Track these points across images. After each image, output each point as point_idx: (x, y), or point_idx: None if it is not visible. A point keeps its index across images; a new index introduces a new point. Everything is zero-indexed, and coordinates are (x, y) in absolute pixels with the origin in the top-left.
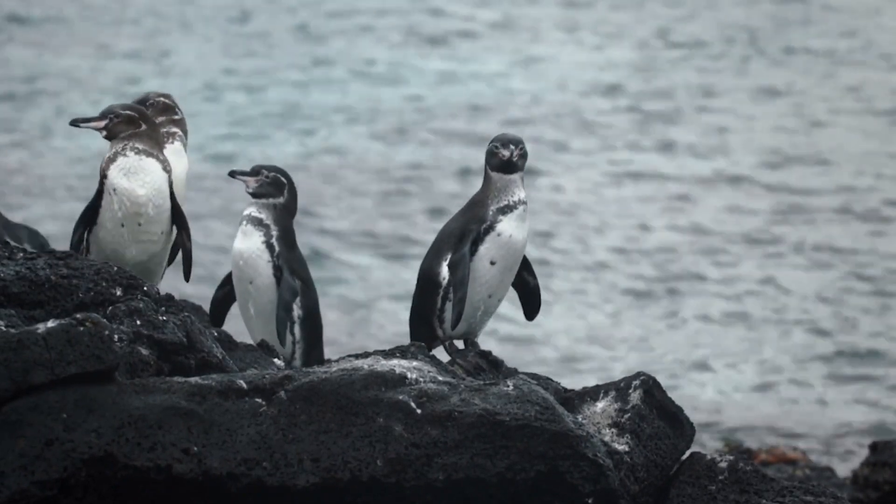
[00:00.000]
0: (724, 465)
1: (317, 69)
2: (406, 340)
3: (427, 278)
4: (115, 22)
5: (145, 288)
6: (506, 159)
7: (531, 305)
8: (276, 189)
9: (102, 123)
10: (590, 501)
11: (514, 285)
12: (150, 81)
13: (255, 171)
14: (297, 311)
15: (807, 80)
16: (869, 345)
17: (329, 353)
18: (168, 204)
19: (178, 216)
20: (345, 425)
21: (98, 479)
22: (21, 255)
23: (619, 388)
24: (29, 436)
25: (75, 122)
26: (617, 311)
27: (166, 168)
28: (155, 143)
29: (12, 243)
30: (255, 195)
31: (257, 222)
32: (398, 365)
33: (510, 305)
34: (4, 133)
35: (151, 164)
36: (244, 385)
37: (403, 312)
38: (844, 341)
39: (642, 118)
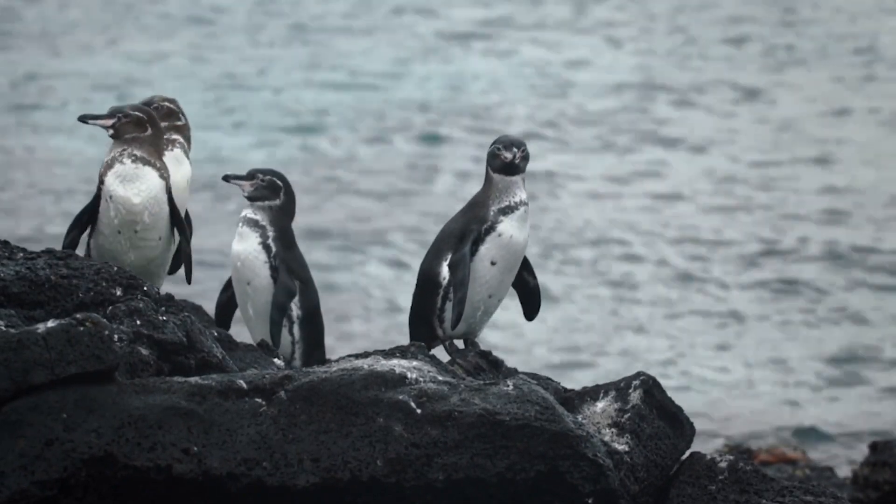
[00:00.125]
0: (724, 465)
1: (317, 69)
2: (405, 340)
3: (427, 278)
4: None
5: (145, 288)
6: (508, 161)
7: (531, 305)
8: (271, 192)
9: (110, 122)
10: (590, 501)
11: (514, 285)
12: (143, 82)
13: (251, 175)
14: (295, 311)
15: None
16: (869, 345)
17: (329, 353)
18: (165, 211)
19: (177, 222)
20: (345, 425)
21: (98, 479)
22: (21, 254)
23: (619, 388)
24: (29, 436)
25: (84, 119)
26: (616, 312)
27: (163, 175)
28: (154, 150)
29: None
30: (251, 199)
31: (253, 224)
32: (398, 365)
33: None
34: (6, 134)
35: (148, 173)
36: (244, 385)
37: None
38: (845, 341)
39: (644, 116)
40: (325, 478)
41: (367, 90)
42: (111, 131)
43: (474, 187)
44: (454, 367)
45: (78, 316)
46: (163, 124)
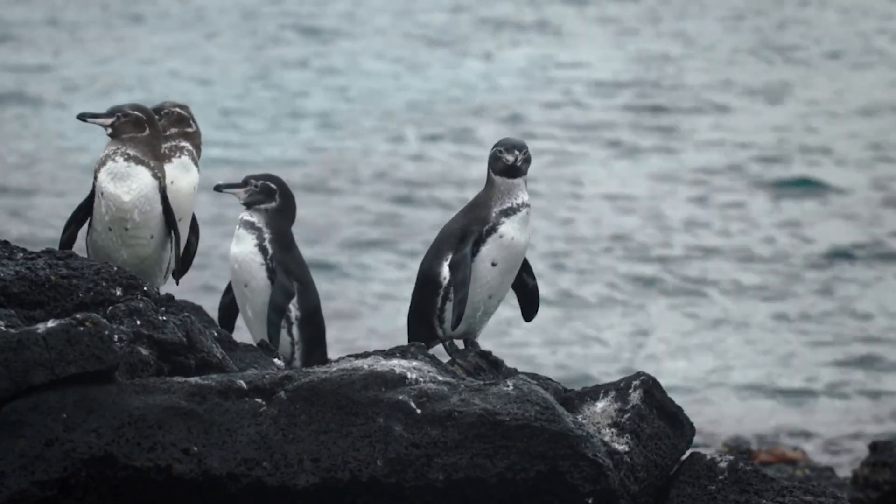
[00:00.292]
0: (724, 465)
1: (319, 70)
2: (404, 340)
3: (427, 278)
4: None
5: (145, 288)
6: (510, 164)
7: (530, 306)
8: (266, 195)
9: (109, 121)
10: (590, 501)
11: (514, 286)
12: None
13: (245, 182)
14: (294, 312)
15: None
16: (869, 345)
17: (330, 353)
18: (158, 210)
19: (170, 223)
20: (345, 425)
21: (98, 479)
22: (21, 255)
23: (618, 388)
24: (29, 436)
25: (83, 117)
26: (615, 312)
27: (157, 175)
28: (150, 151)
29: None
30: (247, 205)
31: (250, 226)
32: (398, 365)
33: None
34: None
35: (140, 171)
36: (244, 385)
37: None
38: (845, 341)
39: (648, 116)
40: (325, 478)
41: (373, 88)
42: (109, 130)
43: (473, 190)
44: (454, 367)
45: (78, 316)
46: (172, 130)
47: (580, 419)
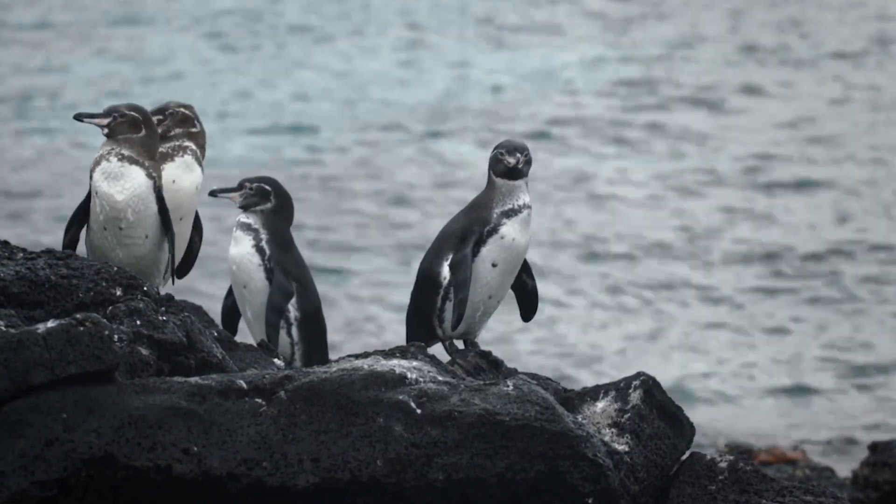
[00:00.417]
0: (724, 465)
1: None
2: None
3: (427, 278)
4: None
5: (145, 288)
6: (511, 166)
7: (528, 307)
8: (261, 197)
9: (106, 121)
10: (590, 501)
11: (513, 286)
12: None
13: (240, 186)
14: (293, 313)
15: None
16: (869, 345)
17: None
18: (153, 210)
19: (167, 223)
20: (345, 425)
21: (98, 479)
22: (21, 255)
23: (618, 389)
24: (29, 436)
25: (79, 117)
26: (615, 313)
27: (151, 175)
28: (145, 151)
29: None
30: (243, 208)
31: (246, 227)
32: (398, 365)
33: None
34: (10, 134)
35: (134, 171)
36: (244, 385)
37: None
38: (845, 341)
39: (648, 114)
40: (325, 478)
41: (370, 90)
42: (106, 130)
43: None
44: (454, 368)
45: (78, 316)
46: (177, 130)
47: (580, 419)
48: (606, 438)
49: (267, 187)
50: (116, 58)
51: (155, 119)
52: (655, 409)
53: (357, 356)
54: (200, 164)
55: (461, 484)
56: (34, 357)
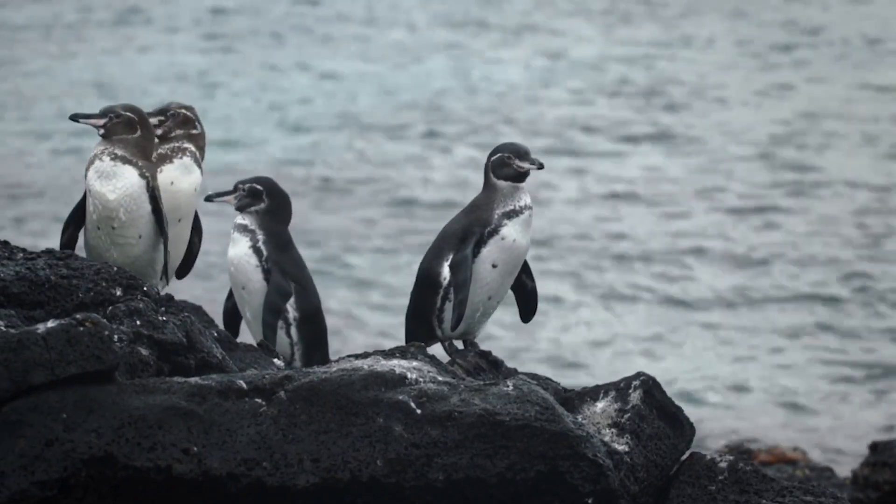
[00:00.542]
0: (724, 465)
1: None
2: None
3: (427, 277)
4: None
5: (145, 288)
6: (523, 171)
7: (528, 308)
8: (254, 197)
9: (101, 122)
10: (590, 501)
11: (512, 287)
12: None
13: (235, 188)
14: (292, 313)
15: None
16: (869, 345)
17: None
18: (146, 210)
19: (161, 223)
20: (345, 425)
21: (98, 480)
22: (21, 255)
23: (618, 389)
24: (29, 436)
25: (75, 117)
26: (615, 313)
27: (144, 175)
28: (139, 151)
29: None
30: (239, 209)
31: (243, 229)
32: (398, 365)
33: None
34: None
35: (127, 171)
36: (244, 385)
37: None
38: (845, 341)
39: (649, 113)
40: (325, 478)
41: (371, 87)
42: (102, 131)
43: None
44: (454, 368)
45: (78, 316)
46: (178, 132)
47: (580, 419)
48: (606, 438)
49: (259, 187)
50: (118, 56)
51: (156, 120)
52: (655, 409)
53: (357, 356)
54: (200, 166)
55: (461, 484)
56: (34, 357)
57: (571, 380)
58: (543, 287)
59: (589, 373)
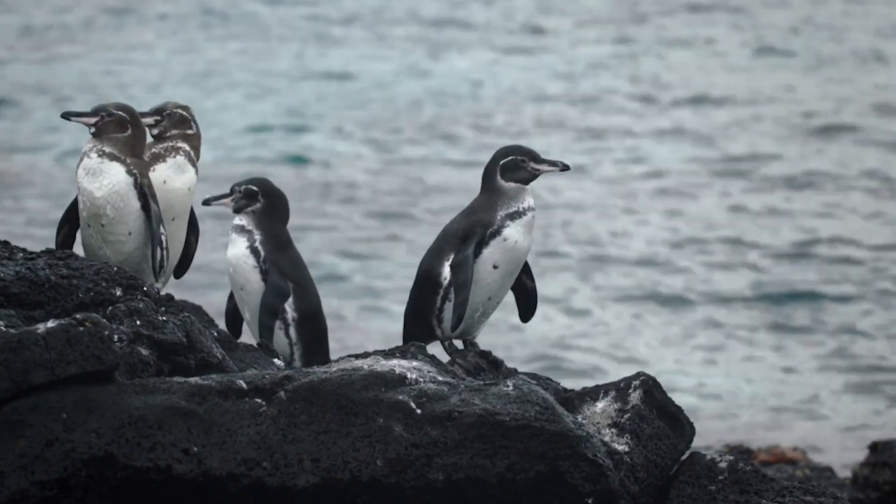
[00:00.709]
0: (723, 465)
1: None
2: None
3: (427, 277)
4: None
5: (145, 288)
6: (537, 175)
7: (527, 307)
8: (250, 198)
9: (93, 120)
10: (590, 501)
11: (512, 287)
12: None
13: (231, 191)
14: (290, 313)
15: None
16: (869, 345)
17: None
18: (134, 207)
19: (151, 221)
20: (345, 425)
21: (98, 480)
22: (21, 255)
23: (618, 389)
24: (29, 436)
25: (67, 115)
26: (614, 313)
27: (132, 172)
28: (129, 149)
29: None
30: (236, 211)
31: (240, 229)
32: (398, 365)
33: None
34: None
35: (114, 168)
36: (244, 385)
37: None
38: (844, 341)
39: (650, 117)
40: (325, 478)
41: (369, 90)
42: (93, 129)
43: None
44: (454, 368)
45: (78, 316)
46: (174, 132)
47: (580, 419)
48: (606, 438)
49: (254, 188)
50: (118, 56)
51: (152, 120)
52: (655, 410)
53: (357, 356)
54: (194, 165)
55: (461, 484)
56: (34, 357)
57: (571, 380)
58: (543, 286)
59: (588, 373)
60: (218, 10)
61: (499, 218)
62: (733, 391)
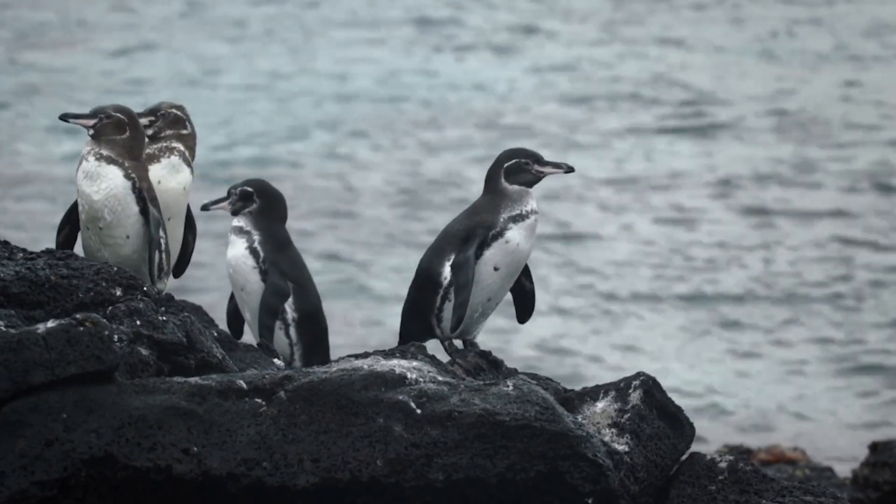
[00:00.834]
0: (723, 465)
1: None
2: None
3: (427, 276)
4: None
5: (145, 288)
6: (544, 176)
7: (525, 309)
8: (246, 200)
9: (92, 122)
10: (590, 501)
11: (511, 288)
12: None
13: (227, 195)
14: (290, 313)
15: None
16: (869, 345)
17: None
18: (132, 210)
19: (148, 224)
20: (345, 425)
21: (98, 480)
22: (21, 255)
23: (618, 389)
24: (29, 436)
25: (65, 117)
26: (615, 313)
27: (130, 175)
28: (126, 152)
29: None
30: (234, 214)
31: (238, 231)
32: (398, 365)
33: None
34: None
35: (111, 171)
36: (244, 385)
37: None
38: (845, 341)
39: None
40: (325, 478)
41: (380, 94)
42: (92, 131)
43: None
44: (454, 368)
45: (78, 316)
46: (168, 132)
47: (580, 419)
48: (606, 438)
49: (249, 189)
50: (121, 56)
51: (147, 120)
52: (655, 410)
53: (357, 356)
54: (190, 165)
55: (461, 484)
56: (34, 357)
57: (570, 380)
58: (543, 287)
59: (588, 373)
60: (218, 11)
61: (501, 220)
62: (733, 391)
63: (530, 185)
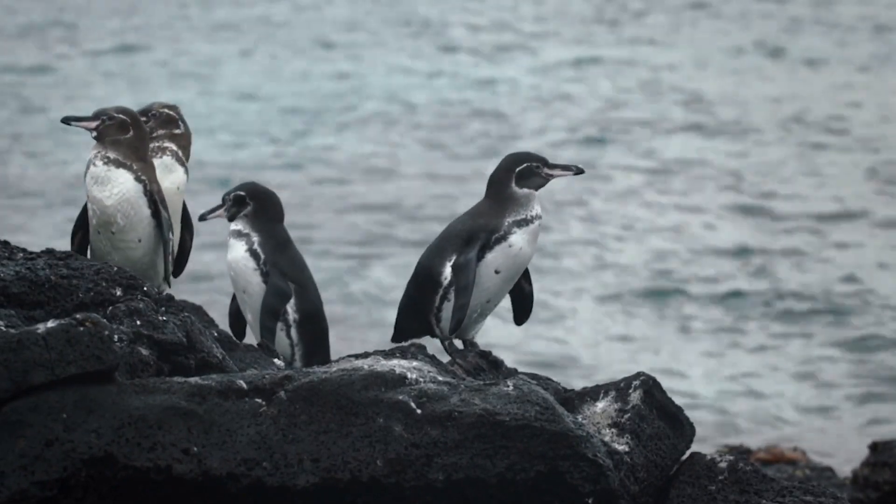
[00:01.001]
0: (723, 465)
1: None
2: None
3: (427, 275)
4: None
5: (145, 288)
6: (551, 179)
7: (523, 310)
8: (240, 205)
9: (94, 124)
10: (590, 501)
11: (510, 290)
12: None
13: (223, 202)
14: (291, 314)
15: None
16: (869, 344)
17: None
18: (144, 213)
19: (160, 227)
20: (345, 425)
21: (98, 480)
22: (21, 255)
23: (619, 389)
24: (29, 436)
25: (67, 120)
26: (613, 313)
27: (140, 178)
28: (133, 153)
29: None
30: (230, 220)
31: (237, 233)
32: (398, 365)
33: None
34: (9, 137)
35: (121, 175)
36: (244, 385)
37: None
38: (845, 341)
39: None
40: (325, 478)
41: (372, 92)
42: (94, 133)
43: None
44: (454, 368)
45: (78, 316)
46: (160, 132)
47: (580, 419)
48: (606, 438)
49: (241, 193)
50: (123, 55)
51: None
52: (655, 410)
53: (357, 356)
54: (183, 165)
55: (461, 484)
56: (34, 357)
57: (570, 380)
58: (542, 287)
59: (588, 373)
60: (221, 11)
61: (506, 224)
62: (734, 391)
63: (539, 188)
